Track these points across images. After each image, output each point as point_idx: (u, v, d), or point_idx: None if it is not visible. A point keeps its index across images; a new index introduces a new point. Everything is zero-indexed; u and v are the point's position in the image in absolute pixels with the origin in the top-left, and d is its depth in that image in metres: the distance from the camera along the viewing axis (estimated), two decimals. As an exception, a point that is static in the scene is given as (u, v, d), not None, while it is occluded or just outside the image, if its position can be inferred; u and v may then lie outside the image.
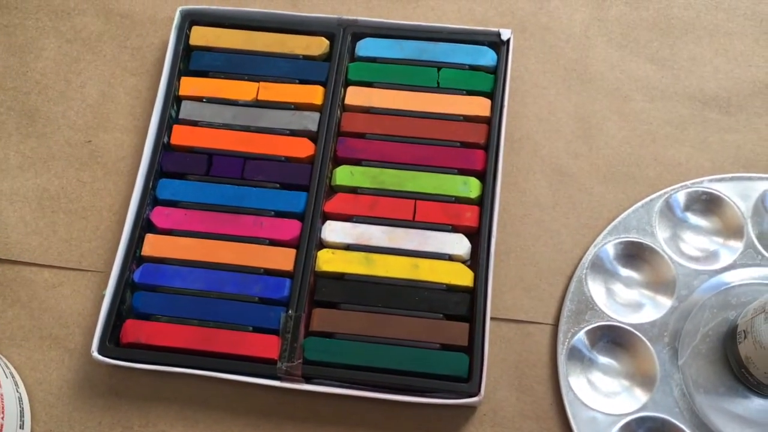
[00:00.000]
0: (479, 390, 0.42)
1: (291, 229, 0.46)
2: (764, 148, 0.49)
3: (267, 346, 0.43)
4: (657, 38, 0.52)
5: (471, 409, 0.44)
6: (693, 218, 0.47)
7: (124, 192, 0.49)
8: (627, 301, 0.45)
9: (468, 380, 0.42)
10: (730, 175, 0.47)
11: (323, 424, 0.44)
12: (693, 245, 0.46)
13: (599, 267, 0.46)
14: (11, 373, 0.44)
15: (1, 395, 0.41)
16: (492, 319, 0.45)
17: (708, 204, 0.47)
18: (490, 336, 0.45)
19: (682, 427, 0.42)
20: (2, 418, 0.41)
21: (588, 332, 0.44)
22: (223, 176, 0.48)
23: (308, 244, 0.46)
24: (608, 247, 0.46)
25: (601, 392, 0.43)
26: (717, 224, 0.47)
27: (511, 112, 0.50)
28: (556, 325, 0.45)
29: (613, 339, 0.44)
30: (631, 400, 0.43)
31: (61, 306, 0.47)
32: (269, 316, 0.44)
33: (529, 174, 0.49)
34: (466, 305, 0.44)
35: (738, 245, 0.45)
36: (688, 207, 0.47)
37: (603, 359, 0.44)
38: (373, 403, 0.44)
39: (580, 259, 0.46)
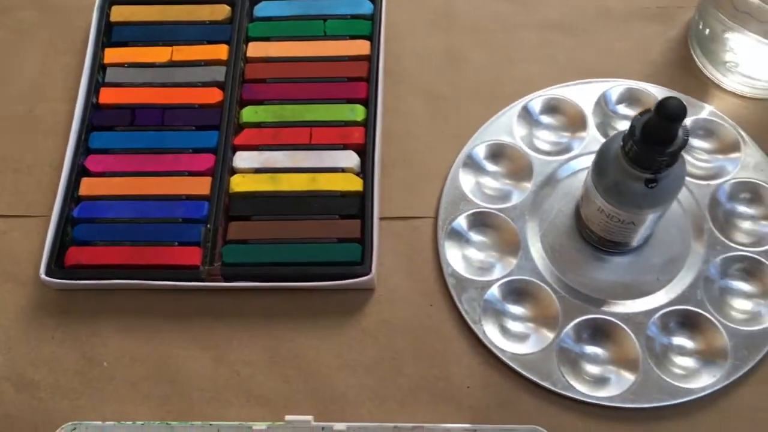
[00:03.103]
0: (371, 270, 0.49)
1: (206, 161, 0.54)
2: (601, 58, 0.57)
3: (190, 255, 0.51)
4: (511, -19, 0.61)
5: (369, 292, 0.51)
6: (546, 119, 0.55)
7: (63, 149, 0.56)
8: (494, 191, 0.53)
9: (362, 263, 0.50)
10: (574, 82, 0.56)
11: (245, 316, 0.51)
12: (546, 141, 0.55)
13: (469, 166, 0.54)
14: (-28, 302, 0.51)
15: (-37, 313, 0.48)
16: (383, 218, 0.53)
17: (557, 106, 0.55)
18: (383, 233, 0.53)
19: (543, 285, 0.50)
20: (-35, 330, 0.48)
21: (463, 218, 0.52)
22: (146, 125, 0.56)
23: (221, 171, 0.53)
24: (477, 149, 0.54)
25: (475, 265, 0.51)
26: (564, 122, 0.55)
27: (390, 51, 0.59)
28: (437, 217, 0.53)
29: (484, 222, 0.52)
30: (501, 268, 0.51)
31: (13, 248, 0.54)
32: (191, 232, 0.52)
33: (408, 100, 0.57)
34: (357, 206, 0.52)
35: (583, 135, 0.54)
36: (541, 111, 0.56)
37: (476, 238, 0.52)
38: (286, 294, 0.51)
39: (453, 162, 0.54)
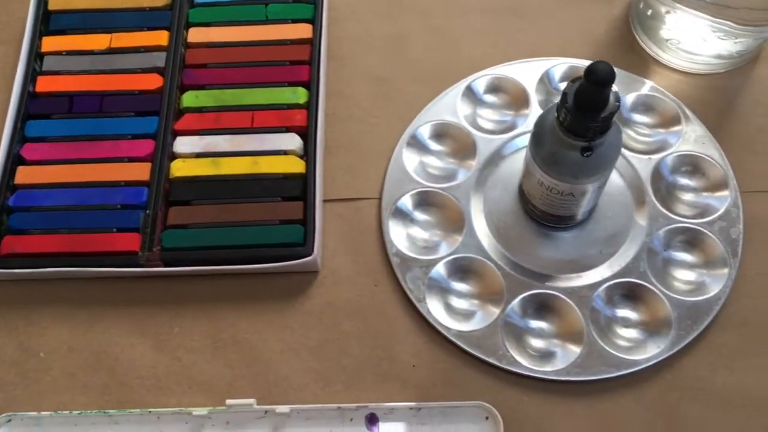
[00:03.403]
0: (313, 250, 0.49)
1: (146, 147, 0.53)
2: (544, 39, 0.57)
3: (129, 242, 0.50)
4: (454, -35, 0.61)
5: (313, 274, 0.51)
6: (489, 98, 0.55)
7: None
8: (438, 170, 0.53)
9: (304, 244, 0.49)
10: (517, 61, 0.56)
11: (186, 302, 0.50)
12: (490, 119, 0.55)
13: (414, 146, 0.54)
14: None
15: None
16: (327, 201, 0.53)
17: (500, 85, 0.55)
18: (327, 215, 0.52)
19: (487, 262, 0.49)
20: None
21: (407, 198, 0.52)
22: (84, 112, 0.55)
23: (161, 157, 0.52)
24: (421, 129, 0.54)
25: (419, 244, 0.51)
26: (508, 100, 0.55)
27: (334, 36, 0.58)
28: (381, 198, 0.52)
29: (428, 201, 0.52)
30: (445, 246, 0.50)
31: (-52, 240, 0.52)
32: (130, 218, 0.51)
33: (352, 83, 0.57)
34: (299, 188, 0.51)
35: (527, 113, 0.54)
36: (485, 90, 0.55)
37: (420, 217, 0.52)
38: (228, 279, 0.50)
39: (397, 143, 0.54)
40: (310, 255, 0.49)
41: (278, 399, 0.47)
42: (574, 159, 0.42)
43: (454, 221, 0.51)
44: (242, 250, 0.49)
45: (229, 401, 0.46)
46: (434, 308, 0.48)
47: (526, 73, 0.55)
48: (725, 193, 0.51)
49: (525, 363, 0.47)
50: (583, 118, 0.40)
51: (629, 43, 0.57)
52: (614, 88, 0.40)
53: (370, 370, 0.48)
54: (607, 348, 0.47)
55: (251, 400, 0.46)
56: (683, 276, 0.49)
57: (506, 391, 0.46)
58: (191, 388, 0.48)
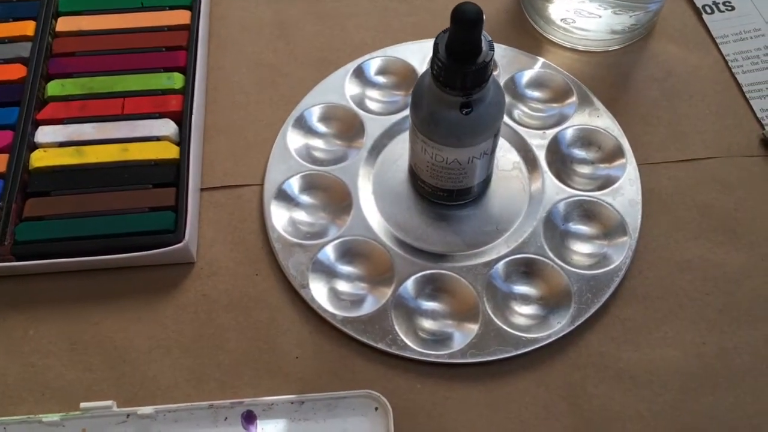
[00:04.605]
0: (185, 236, 0.45)
1: (3, 138, 0.48)
2: (435, 21, 0.56)
3: (-22, 237, 0.45)
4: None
5: (188, 266, 0.46)
6: (379, 79, 0.53)
7: None
8: (325, 153, 0.50)
9: (175, 231, 0.45)
10: (406, 42, 0.54)
11: (42, 302, 0.45)
12: (379, 100, 0.52)
13: (299, 129, 0.50)
14: None
15: None
16: (205, 189, 0.49)
17: (389, 66, 0.53)
18: (206, 204, 0.48)
19: (376, 243, 0.46)
20: None
21: (292, 181, 0.48)
22: (-64, 106, 0.50)
23: (20, 147, 0.48)
24: (306, 112, 0.51)
25: (303, 229, 0.47)
26: (396, 81, 0.53)
27: (217, 23, 0.55)
28: (263, 184, 0.49)
29: (314, 184, 0.48)
30: (331, 229, 0.47)
31: None
32: (-19, 213, 0.46)
33: (235, 69, 0.54)
34: (173, 173, 0.47)
35: (415, 92, 0.51)
36: (374, 72, 0.53)
37: (306, 200, 0.48)
38: (91, 274, 0.45)
39: (281, 127, 0.51)
40: (180, 242, 0.44)
41: (144, 401, 0.42)
42: (453, 118, 0.40)
43: (341, 204, 0.47)
44: (106, 240, 0.45)
45: (83, 404, 0.40)
46: (318, 294, 0.44)
47: (415, 54, 0.53)
48: (622, 163, 0.49)
49: (417, 347, 0.43)
50: (457, 66, 0.37)
51: (522, 25, 0.56)
52: (488, 37, 0.38)
53: (249, 365, 0.43)
54: (505, 327, 0.43)
55: (109, 402, 0.40)
56: (582, 249, 0.46)
57: (397, 379, 0.42)
58: (45, 396, 0.42)
